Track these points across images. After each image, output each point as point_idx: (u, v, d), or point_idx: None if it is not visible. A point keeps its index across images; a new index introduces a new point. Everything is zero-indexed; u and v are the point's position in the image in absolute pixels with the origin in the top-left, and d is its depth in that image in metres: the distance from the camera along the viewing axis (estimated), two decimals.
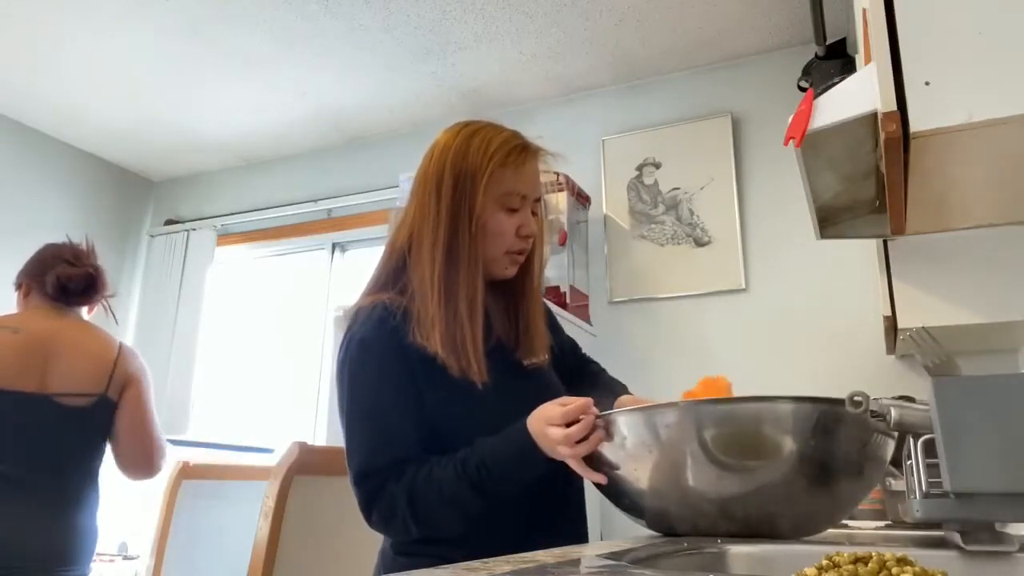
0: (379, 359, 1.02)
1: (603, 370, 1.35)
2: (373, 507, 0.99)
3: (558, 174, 2.51)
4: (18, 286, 1.87)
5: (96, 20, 2.60)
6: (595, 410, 0.92)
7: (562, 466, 0.95)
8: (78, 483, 1.73)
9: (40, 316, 1.80)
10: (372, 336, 1.03)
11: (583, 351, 1.38)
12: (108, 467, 1.85)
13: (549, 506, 1.08)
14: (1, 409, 1.66)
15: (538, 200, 1.13)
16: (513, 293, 1.17)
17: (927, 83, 0.81)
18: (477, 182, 1.05)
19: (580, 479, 1.14)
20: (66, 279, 1.80)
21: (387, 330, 1.03)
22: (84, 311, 1.89)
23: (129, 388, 1.81)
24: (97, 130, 3.42)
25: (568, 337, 1.35)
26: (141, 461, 1.79)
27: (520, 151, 1.09)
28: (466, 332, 1.03)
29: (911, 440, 0.71)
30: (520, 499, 1.01)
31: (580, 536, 1.14)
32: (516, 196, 1.09)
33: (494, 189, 1.07)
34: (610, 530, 2.38)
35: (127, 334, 3.66)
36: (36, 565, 1.61)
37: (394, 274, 1.11)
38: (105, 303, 1.93)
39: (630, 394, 1.24)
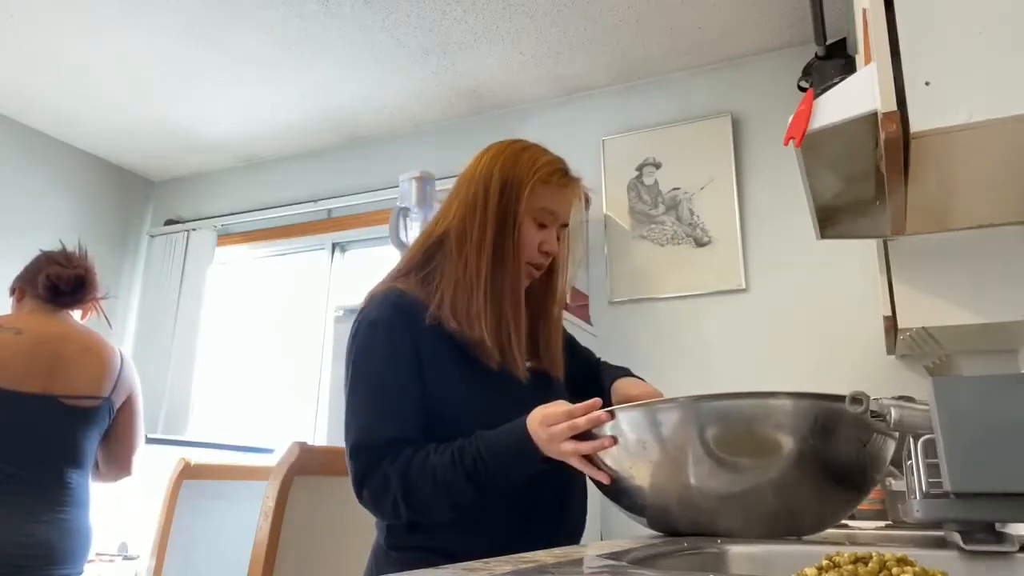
0: (387, 339, 1.05)
1: (607, 367, 1.36)
2: (365, 484, 1.00)
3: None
4: (12, 291, 1.90)
5: (96, 20, 2.60)
6: (603, 411, 0.92)
7: (555, 462, 0.96)
8: (78, 482, 1.76)
9: (40, 318, 1.82)
10: (383, 318, 1.06)
11: (594, 355, 1.41)
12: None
13: (547, 499, 1.09)
14: (7, 410, 1.67)
15: (565, 226, 1.19)
16: (534, 310, 1.20)
17: (927, 83, 0.81)
18: (522, 191, 1.12)
19: (580, 473, 1.14)
20: (56, 278, 1.83)
21: (398, 314, 1.07)
22: (78, 315, 1.92)
23: (129, 395, 1.88)
24: (97, 130, 3.42)
25: (583, 348, 1.39)
26: (123, 464, 1.88)
27: (563, 175, 1.16)
28: (511, 330, 1.08)
29: (911, 440, 0.71)
30: (517, 492, 1.02)
31: (576, 530, 1.15)
32: (548, 213, 1.14)
33: (533, 201, 1.13)
34: (610, 530, 2.39)
35: (127, 334, 3.66)
36: (40, 563, 1.63)
37: (422, 263, 1.15)
38: (98, 306, 1.96)
39: (631, 376, 1.26)
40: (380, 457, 0.99)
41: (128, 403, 1.89)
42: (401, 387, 1.03)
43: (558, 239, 1.18)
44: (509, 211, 1.11)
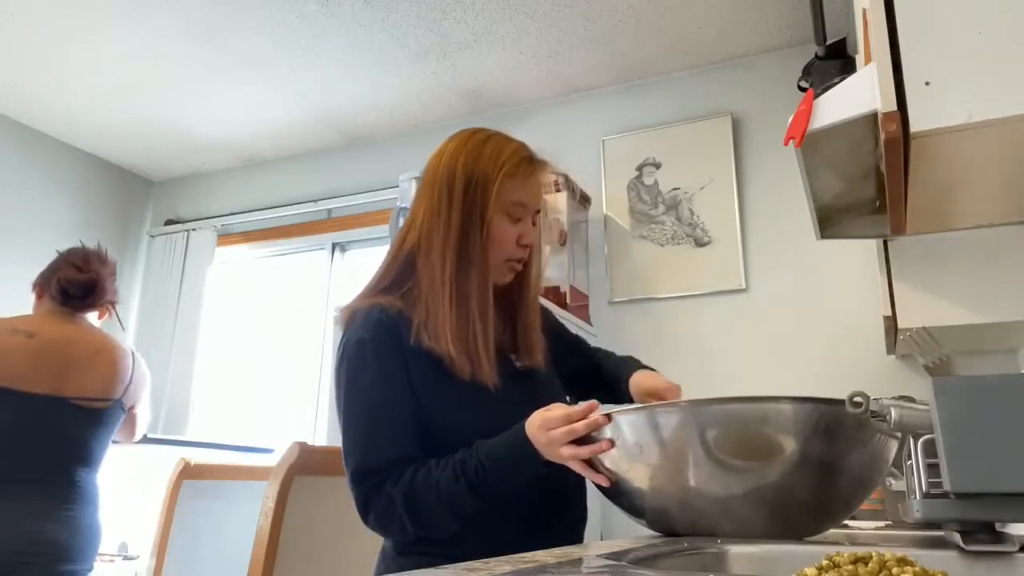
0: (376, 359, 1.03)
1: (608, 356, 1.34)
2: (370, 507, 0.99)
3: (556, 175, 2.51)
4: (34, 287, 1.96)
5: (96, 20, 2.60)
6: (601, 415, 0.92)
7: (555, 466, 0.95)
8: (87, 481, 1.81)
9: (53, 321, 1.87)
10: (369, 337, 1.04)
11: (588, 344, 1.39)
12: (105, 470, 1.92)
13: (549, 503, 1.08)
14: (16, 410, 1.72)
15: (538, 211, 1.15)
16: (511, 301, 1.17)
17: (927, 83, 0.81)
18: (489, 188, 1.07)
19: (579, 476, 1.14)
20: (67, 283, 1.88)
21: (384, 331, 1.04)
22: (94, 317, 1.98)
23: (139, 395, 1.96)
24: (97, 130, 3.42)
25: (572, 336, 1.36)
26: (128, 438, 2.01)
27: (529, 163, 1.12)
28: (478, 335, 1.04)
29: (911, 440, 0.71)
30: (520, 497, 1.02)
31: (578, 532, 1.14)
32: (520, 206, 1.10)
33: (503, 197, 1.08)
34: (610, 530, 2.38)
35: (127, 334, 3.66)
36: (49, 559, 1.67)
37: (399, 276, 1.11)
38: (111, 309, 2.01)
39: (645, 368, 1.24)
40: (382, 480, 0.98)
41: (140, 402, 1.98)
42: (395, 406, 1.01)
43: (533, 224, 1.14)
44: (475, 211, 1.07)
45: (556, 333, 1.30)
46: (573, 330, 1.39)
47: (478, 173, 1.08)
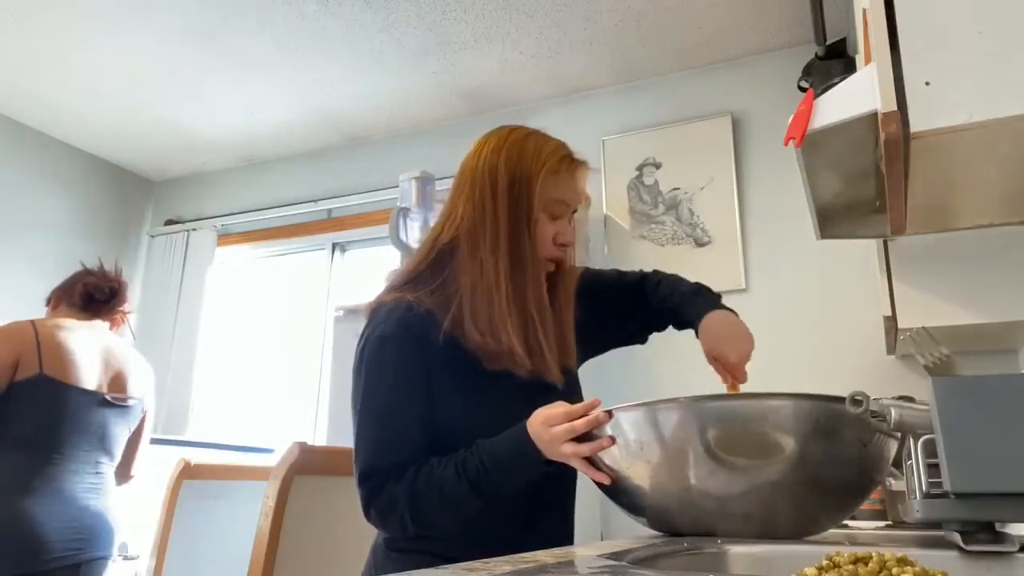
0: (397, 358, 1.01)
1: (649, 286, 1.33)
2: (372, 505, 0.99)
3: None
4: (48, 300, 2.07)
5: (96, 20, 2.60)
6: (602, 412, 0.92)
7: (556, 465, 0.95)
8: (109, 471, 1.92)
9: (81, 324, 1.96)
10: (392, 334, 1.02)
11: (622, 275, 1.38)
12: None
13: (541, 504, 1.08)
14: (62, 402, 1.81)
15: (574, 212, 1.15)
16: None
17: (927, 83, 0.81)
18: (533, 185, 1.07)
19: (570, 476, 1.14)
20: (93, 288, 2.03)
21: (409, 329, 1.02)
22: (107, 327, 2.08)
23: (149, 405, 2.08)
24: (97, 130, 3.42)
25: (610, 279, 1.36)
26: (126, 470, 2.04)
27: (570, 161, 1.12)
28: (539, 333, 1.04)
29: (911, 440, 0.71)
30: (514, 498, 1.01)
31: (568, 533, 1.14)
32: (561, 204, 1.10)
33: (545, 194, 1.08)
34: (610, 530, 2.38)
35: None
36: (87, 548, 1.75)
37: (431, 271, 1.09)
38: (125, 319, 2.16)
39: (721, 308, 1.25)
40: (384, 479, 0.98)
41: (147, 412, 2.07)
42: (410, 408, 1.00)
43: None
44: (521, 208, 1.06)
45: (592, 289, 1.27)
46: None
47: (522, 170, 1.07)
